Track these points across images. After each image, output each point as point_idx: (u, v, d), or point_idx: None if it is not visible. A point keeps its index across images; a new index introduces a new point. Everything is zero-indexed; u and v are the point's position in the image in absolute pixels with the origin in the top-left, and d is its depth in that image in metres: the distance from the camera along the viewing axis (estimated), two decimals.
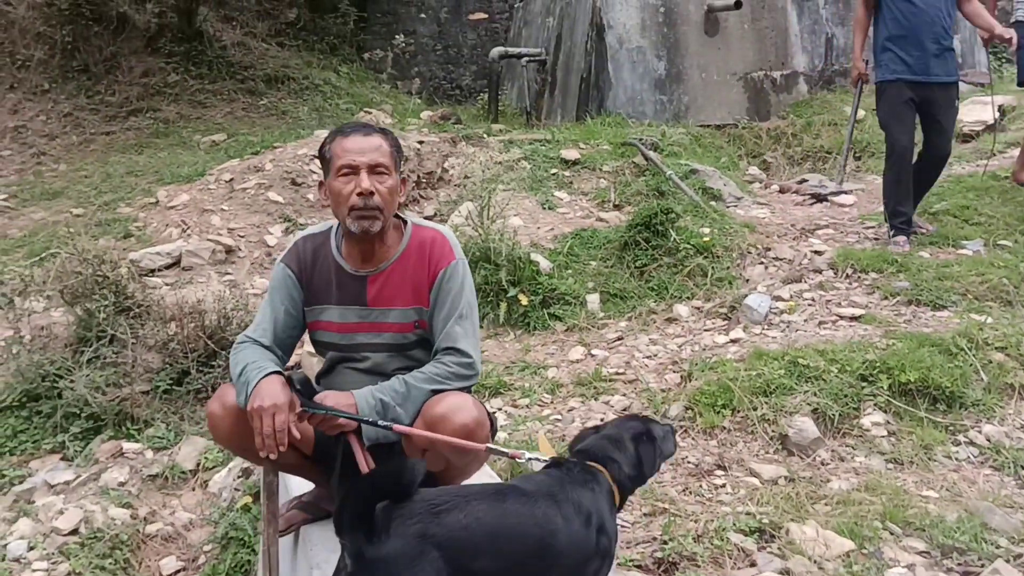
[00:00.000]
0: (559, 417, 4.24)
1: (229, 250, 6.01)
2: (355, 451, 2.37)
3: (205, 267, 5.81)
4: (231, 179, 6.84)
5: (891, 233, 5.59)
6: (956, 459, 3.83)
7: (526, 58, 9.23)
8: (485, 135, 7.29)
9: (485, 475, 2.84)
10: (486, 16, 11.48)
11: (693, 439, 3.97)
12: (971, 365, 4.23)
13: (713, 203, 6.34)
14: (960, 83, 8.82)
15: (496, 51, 9.33)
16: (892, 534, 3.24)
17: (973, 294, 4.88)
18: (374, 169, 2.49)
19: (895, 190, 5.55)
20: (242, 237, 6.22)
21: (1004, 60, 10.05)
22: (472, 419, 2.43)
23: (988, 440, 3.91)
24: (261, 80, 10.70)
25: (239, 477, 4.05)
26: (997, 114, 7.79)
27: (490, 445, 2.47)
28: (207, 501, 4.11)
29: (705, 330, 4.92)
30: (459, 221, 5.80)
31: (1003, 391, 4.18)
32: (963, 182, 6.33)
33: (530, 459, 2.40)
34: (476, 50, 11.42)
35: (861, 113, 8.36)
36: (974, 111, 7.88)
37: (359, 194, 2.46)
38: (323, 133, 7.76)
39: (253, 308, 4.94)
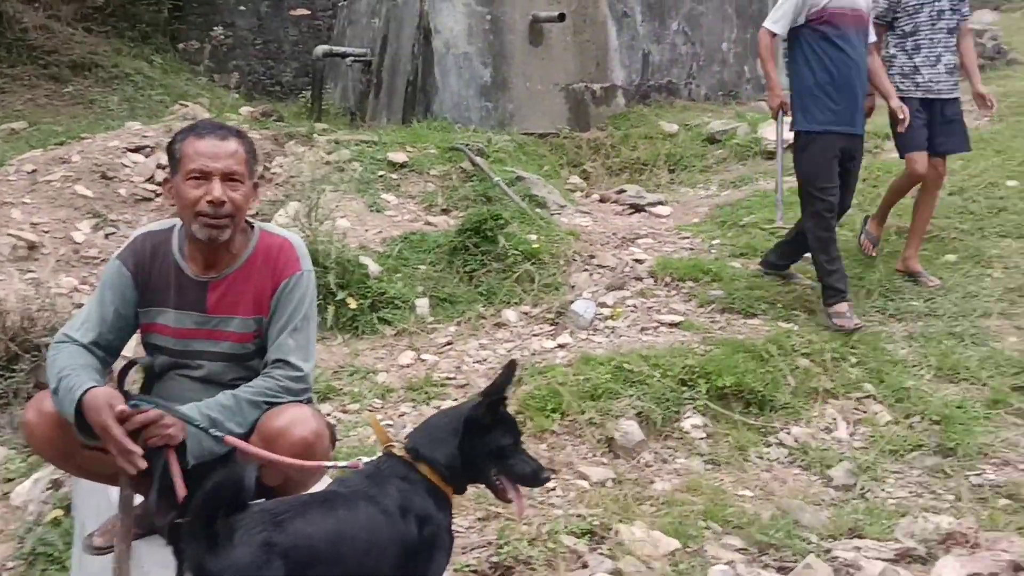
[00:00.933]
0: (390, 422, 4.21)
1: (32, 246, 5.62)
2: (172, 472, 2.25)
3: (5, 264, 5.42)
4: (33, 170, 6.40)
5: (827, 302, 5.02)
6: (768, 459, 4.07)
7: (351, 58, 9.12)
8: (312, 135, 7.14)
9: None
10: (309, 12, 11.27)
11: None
12: (780, 370, 4.50)
13: (539, 210, 6.46)
14: (764, 103, 9.43)
15: (320, 49, 9.18)
16: (713, 532, 3.40)
17: (781, 303, 5.19)
18: (228, 177, 2.38)
19: (826, 251, 5.03)
20: (46, 232, 5.83)
21: None
22: (311, 432, 2.37)
23: (796, 441, 4.17)
24: (66, 66, 10.07)
25: (48, 489, 3.79)
26: None
27: (328, 463, 2.41)
28: (9, 514, 3.83)
29: (533, 335, 5.01)
30: (284, 222, 5.66)
31: (809, 394, 4.47)
32: (769, 197, 6.70)
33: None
34: (298, 46, 11.18)
35: (674, 127, 8.75)
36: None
37: (210, 202, 2.35)
38: (136, 126, 7.39)
39: (62, 309, 4.65)
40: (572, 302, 5.18)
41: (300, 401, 2.46)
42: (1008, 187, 6.70)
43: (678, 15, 9.39)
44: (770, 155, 8.14)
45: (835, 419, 4.34)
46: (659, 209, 7.05)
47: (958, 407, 4.27)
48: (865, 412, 4.41)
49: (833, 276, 5.01)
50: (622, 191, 7.54)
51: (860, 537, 3.41)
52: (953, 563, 3.18)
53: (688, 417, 4.23)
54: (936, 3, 5.39)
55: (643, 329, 4.97)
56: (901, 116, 5.21)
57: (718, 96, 9.68)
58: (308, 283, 2.52)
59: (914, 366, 4.70)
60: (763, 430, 4.23)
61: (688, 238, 6.25)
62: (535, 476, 2.30)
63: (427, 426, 2.35)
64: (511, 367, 2.29)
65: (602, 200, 7.44)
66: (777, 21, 5.11)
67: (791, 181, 5.40)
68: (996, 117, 8.21)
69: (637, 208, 7.09)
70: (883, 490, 3.80)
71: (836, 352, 4.70)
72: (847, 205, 5.30)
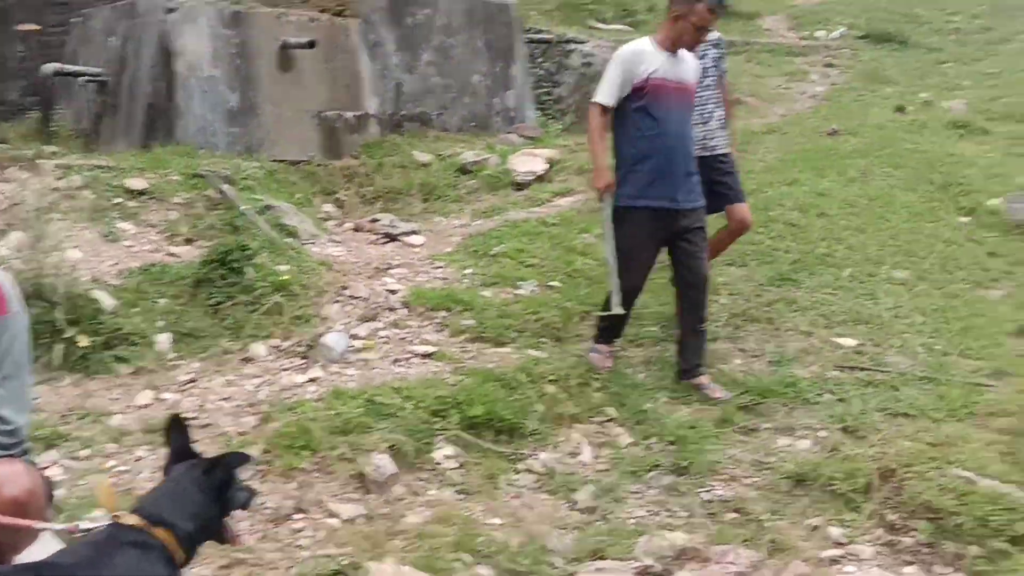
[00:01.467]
0: (126, 468, 3.96)
1: None
2: None
3: None
4: None
5: (599, 339, 5.12)
6: (518, 486, 4.15)
7: (85, 77, 8.56)
8: (38, 159, 6.63)
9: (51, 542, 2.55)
10: (39, 28, 10.50)
11: (272, 483, 3.90)
12: (529, 397, 4.62)
13: (289, 240, 6.32)
14: (513, 135, 9.73)
15: (50, 67, 8.55)
16: (464, 563, 3.43)
17: (530, 331, 5.34)
18: None
19: (619, 321, 5.09)
20: None
21: (550, 116, 11.17)
22: (23, 491, 2.19)
23: (544, 467, 4.28)
24: None
25: None
26: (546, 166, 8.64)
27: (41, 524, 2.23)
28: None
29: (283, 370, 4.87)
30: (4, 254, 5.22)
31: (555, 420, 4.61)
32: (519, 227, 6.91)
33: (84, 530, 2.20)
34: (25, 63, 10.38)
35: (427, 157, 8.84)
36: (526, 162, 8.66)
37: None
38: None
39: None
40: (323, 334, 5.09)
41: (12, 455, 2.25)
42: None
43: (429, 47, 9.51)
44: (519, 186, 8.40)
45: (580, 443, 4.49)
46: (413, 238, 7.08)
47: (691, 427, 4.54)
48: (608, 435, 4.60)
49: (610, 333, 5.11)
50: (376, 220, 7.51)
51: (603, 558, 3.55)
52: None
53: (440, 448, 4.25)
54: (701, 60, 5.34)
55: (396, 360, 4.96)
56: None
57: (470, 127, 9.87)
58: (17, 327, 2.32)
59: (651, 389, 4.95)
60: (513, 457, 4.31)
61: (441, 267, 6.31)
62: (250, 498, 2.33)
63: (161, 492, 2.22)
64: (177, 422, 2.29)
65: (356, 229, 7.38)
66: (606, 93, 4.93)
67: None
68: None
69: (391, 237, 7.09)
70: (624, 510, 3.96)
71: (581, 378, 4.88)
72: (703, 275, 5.04)
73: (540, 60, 11.73)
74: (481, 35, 10.07)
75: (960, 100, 11.47)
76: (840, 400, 4.83)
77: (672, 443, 4.44)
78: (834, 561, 3.64)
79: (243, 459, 2.32)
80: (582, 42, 11.92)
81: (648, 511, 3.98)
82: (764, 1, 16.89)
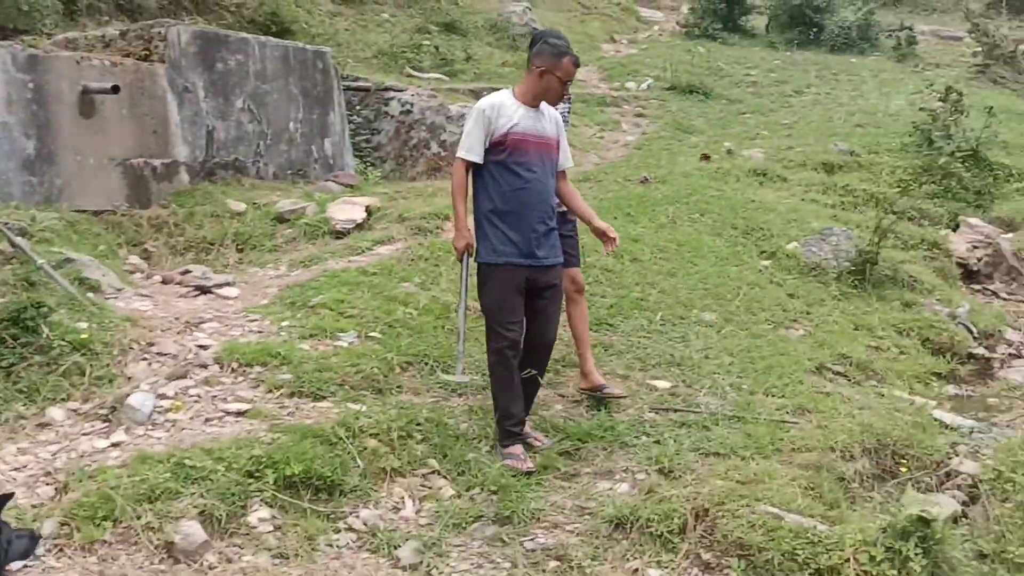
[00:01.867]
0: None
1: None
2: None
3: None
4: None
5: (503, 443, 4.85)
6: (337, 547, 4.03)
7: None
8: None
9: None
10: None
11: (70, 558, 3.64)
12: (349, 453, 4.51)
13: (91, 295, 5.97)
14: (331, 183, 9.60)
15: None
16: None
17: (350, 384, 5.21)
18: None
19: (506, 390, 4.86)
20: None
21: (369, 164, 11.12)
22: None
23: (365, 524, 4.18)
24: None
25: None
26: (365, 214, 8.56)
27: None
28: None
29: (83, 435, 4.57)
30: None
31: (377, 475, 4.51)
32: (338, 277, 6.79)
33: None
34: None
35: (242, 206, 8.60)
36: (345, 211, 8.55)
37: None
38: None
39: None
40: (128, 395, 4.81)
41: None
42: None
43: (243, 92, 9.28)
44: (339, 235, 8.28)
45: (403, 498, 4.42)
46: (226, 290, 6.83)
47: (513, 476, 4.55)
48: (431, 488, 4.54)
49: (511, 420, 4.85)
50: (187, 272, 7.22)
51: None
52: None
53: (255, 510, 4.08)
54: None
55: (207, 420, 4.74)
56: (612, 235, 5.09)
57: (287, 175, 9.69)
58: None
59: (474, 439, 4.94)
60: (332, 516, 4.19)
61: (257, 320, 6.10)
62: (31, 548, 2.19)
63: None
64: None
65: (165, 282, 7.06)
66: (470, 149, 4.81)
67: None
68: None
69: (203, 290, 6.81)
70: (448, 564, 3.91)
71: (403, 430, 4.80)
72: (552, 338, 5.07)
73: (359, 108, 11.68)
74: (297, 82, 9.94)
75: (759, 149, 12.18)
76: (656, 442, 4.95)
77: (495, 492, 4.43)
78: None
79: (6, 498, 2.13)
80: (401, 90, 11.96)
81: (472, 563, 3.95)
82: (576, 54, 17.47)
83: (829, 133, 12.84)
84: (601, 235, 5.14)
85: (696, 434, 5.04)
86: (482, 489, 4.46)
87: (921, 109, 11.94)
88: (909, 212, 10.14)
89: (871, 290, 7.94)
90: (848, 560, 3.80)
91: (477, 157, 4.83)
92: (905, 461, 5.03)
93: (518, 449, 4.81)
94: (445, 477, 4.60)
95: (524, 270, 4.82)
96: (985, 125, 11.33)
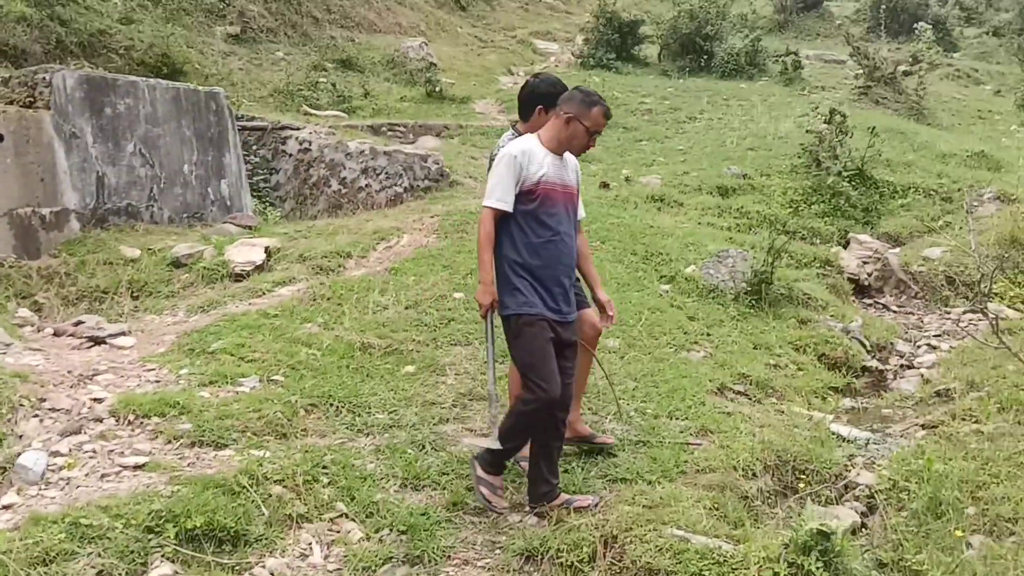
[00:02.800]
0: None
1: None
2: None
3: None
4: None
5: (488, 469, 4.74)
6: None
7: None
8: None
9: None
10: None
11: None
12: (253, 501, 4.41)
13: None
14: (230, 225, 9.46)
15: None
16: None
17: (252, 430, 5.12)
18: None
19: (523, 432, 4.70)
20: None
21: (268, 204, 10.99)
22: None
23: (272, 574, 4.09)
24: None
25: None
26: (264, 255, 8.45)
27: None
28: None
29: None
30: None
31: (283, 523, 4.42)
32: (238, 320, 6.68)
33: None
34: None
35: (136, 252, 8.39)
36: (244, 252, 8.43)
37: None
38: None
39: None
40: (19, 455, 4.62)
41: None
42: (455, 299, 7.38)
43: (133, 136, 9.09)
44: (238, 277, 8.15)
45: (310, 544, 4.33)
46: (122, 340, 6.64)
47: (423, 514, 4.51)
48: (339, 532, 4.47)
49: (509, 454, 4.74)
50: (80, 323, 7.00)
51: None
52: None
53: (156, 567, 3.95)
54: None
55: (104, 476, 4.58)
56: (612, 312, 5.00)
57: (183, 219, 9.50)
58: None
59: (382, 478, 4.88)
60: (238, 568, 4.09)
61: (154, 369, 5.95)
62: None
63: None
64: None
65: (56, 334, 6.83)
66: (500, 198, 4.55)
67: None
68: (443, 234, 9.12)
69: (97, 341, 6.62)
70: None
71: (308, 474, 4.72)
72: (569, 397, 4.76)
73: (255, 147, 11.57)
74: (190, 124, 9.78)
75: (656, 175, 12.43)
76: (565, 471, 4.97)
77: (404, 532, 4.38)
78: None
79: None
80: (298, 128, 11.89)
81: None
82: (474, 87, 17.64)
83: (722, 157, 13.16)
84: (601, 307, 5.00)
85: (603, 461, 5.09)
86: (391, 530, 4.41)
87: (808, 131, 12.34)
88: (801, 232, 10.48)
89: (768, 309, 8.15)
90: None
91: (508, 206, 4.56)
92: (805, 476, 5.17)
93: (499, 482, 4.73)
94: (353, 520, 4.53)
95: (552, 325, 4.60)
96: (869, 145, 11.80)
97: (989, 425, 5.43)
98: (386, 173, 11.25)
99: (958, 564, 3.99)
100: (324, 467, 4.83)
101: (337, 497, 4.67)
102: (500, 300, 4.64)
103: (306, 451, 4.94)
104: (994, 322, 5.96)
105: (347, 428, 5.38)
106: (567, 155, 4.79)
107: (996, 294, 8.72)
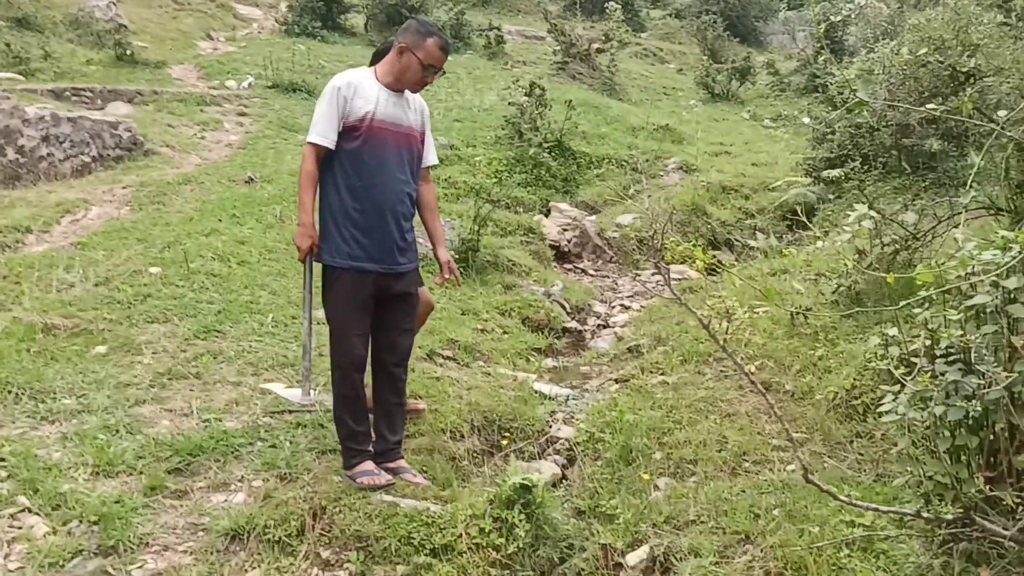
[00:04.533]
0: None
1: None
2: None
3: None
4: None
5: (351, 462, 4.44)
6: None
7: None
8: None
9: None
10: None
11: None
12: None
13: None
14: None
15: None
16: None
17: None
18: None
19: (350, 408, 4.44)
20: None
21: None
22: None
23: None
24: None
25: None
26: None
27: None
28: None
29: None
30: None
31: None
32: None
33: None
34: None
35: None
36: None
37: None
38: None
39: None
40: None
41: None
42: (151, 274, 6.96)
43: None
44: None
45: None
46: None
47: (116, 502, 4.22)
48: (20, 527, 4.10)
49: (358, 437, 4.45)
50: None
51: None
52: None
53: None
54: None
55: None
56: (453, 271, 4.72)
57: None
58: None
59: (70, 467, 4.52)
60: None
61: None
62: None
63: None
64: None
65: None
66: (321, 133, 4.26)
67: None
68: (137, 206, 8.59)
69: None
70: None
71: None
72: (404, 352, 4.61)
73: None
74: None
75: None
76: (272, 446, 4.84)
77: (96, 523, 4.08)
78: None
79: None
80: None
81: None
82: (170, 51, 16.64)
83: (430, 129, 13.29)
84: (441, 266, 4.73)
85: (312, 433, 5.00)
86: (81, 521, 4.08)
87: (511, 104, 12.73)
88: (505, 200, 10.81)
89: (475, 276, 8.35)
90: (460, 536, 3.97)
91: (330, 143, 4.26)
92: (510, 434, 5.36)
93: (368, 465, 4.43)
94: (37, 514, 4.16)
95: (374, 276, 4.34)
96: (566, 117, 12.37)
97: (673, 376, 5.87)
98: (71, 141, 10.37)
99: (646, 506, 4.29)
100: (2, 460, 4.41)
101: (18, 491, 4.27)
102: (320, 245, 4.36)
103: None
104: (666, 275, 6.42)
105: (28, 416, 4.93)
106: (409, 94, 4.49)
107: (687, 257, 9.45)
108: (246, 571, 3.89)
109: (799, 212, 5.56)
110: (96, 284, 6.69)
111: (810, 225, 6.20)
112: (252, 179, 10.04)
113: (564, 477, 5.00)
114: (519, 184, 11.51)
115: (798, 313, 5.98)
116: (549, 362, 7.11)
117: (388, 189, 4.34)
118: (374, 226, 4.32)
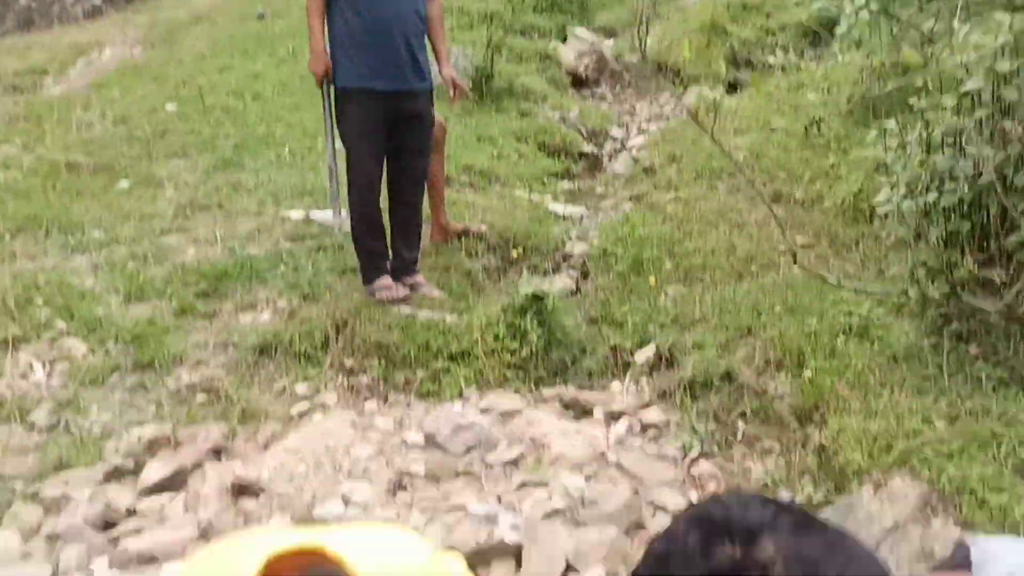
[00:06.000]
0: None
1: None
2: None
3: None
4: None
5: (369, 280, 4.56)
6: None
7: None
8: None
9: None
10: None
11: None
12: None
13: None
14: None
15: None
16: None
17: None
18: None
19: (367, 228, 4.52)
20: None
21: None
22: None
23: None
24: None
25: None
26: None
27: None
28: None
29: None
30: None
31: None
32: None
33: None
34: None
35: None
36: None
37: None
38: None
39: None
40: None
41: None
42: (168, 111, 7.03)
43: None
44: None
45: (30, 364, 4.19)
46: None
47: (150, 324, 4.44)
48: (61, 350, 4.33)
49: (375, 255, 4.57)
50: None
51: (69, 469, 3.41)
52: (157, 465, 3.36)
53: None
54: None
55: None
56: (460, 85, 4.66)
57: None
58: None
59: (103, 294, 4.73)
60: None
61: None
62: None
63: None
64: None
65: None
66: None
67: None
68: (148, 45, 8.57)
69: None
70: (87, 419, 3.81)
71: (21, 297, 4.51)
72: (420, 173, 4.64)
73: None
74: None
75: None
76: (295, 269, 5.00)
77: (131, 342, 4.31)
78: (303, 414, 3.87)
79: None
80: None
81: (114, 414, 3.86)
82: None
83: None
84: (447, 83, 4.63)
85: (332, 256, 5.15)
86: (117, 341, 4.32)
87: None
88: (520, 27, 10.59)
89: (491, 103, 8.31)
90: (476, 342, 4.15)
91: None
92: (524, 251, 5.48)
93: (386, 280, 4.55)
94: (75, 336, 4.39)
95: (385, 97, 4.31)
96: None
97: (685, 191, 5.92)
98: None
99: (654, 309, 4.44)
100: (38, 287, 4.62)
101: (55, 316, 4.50)
102: (333, 70, 4.38)
103: (16, 275, 4.69)
104: (680, 95, 6.38)
105: (60, 248, 5.13)
106: None
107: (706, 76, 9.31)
108: (274, 381, 4.12)
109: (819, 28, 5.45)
110: (115, 123, 6.78)
111: (830, 39, 6.09)
112: (263, 15, 9.92)
113: (578, 290, 5.15)
114: (534, 10, 11.25)
115: (811, 124, 5.96)
116: (565, 185, 7.15)
117: (394, 6, 4.31)
118: (381, 44, 4.29)
